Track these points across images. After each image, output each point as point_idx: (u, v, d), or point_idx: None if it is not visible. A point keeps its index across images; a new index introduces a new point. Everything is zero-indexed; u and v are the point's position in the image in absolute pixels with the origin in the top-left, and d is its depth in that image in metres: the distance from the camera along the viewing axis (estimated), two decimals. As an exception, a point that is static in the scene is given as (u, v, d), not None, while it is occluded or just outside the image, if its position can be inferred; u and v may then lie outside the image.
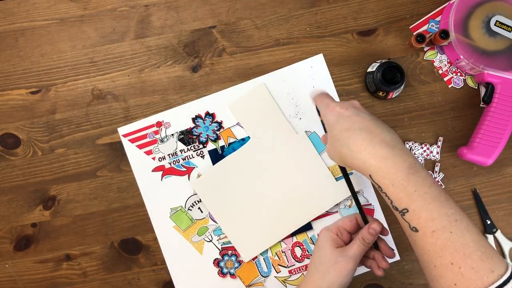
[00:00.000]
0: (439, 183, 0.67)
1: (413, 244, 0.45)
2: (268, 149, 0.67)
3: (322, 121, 0.58)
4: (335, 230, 0.55)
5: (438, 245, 0.42)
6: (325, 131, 0.58)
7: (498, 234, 0.66)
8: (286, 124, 0.67)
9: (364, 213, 0.56)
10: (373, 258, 0.56)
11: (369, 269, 0.66)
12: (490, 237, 0.66)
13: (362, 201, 0.67)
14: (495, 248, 0.66)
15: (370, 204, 0.67)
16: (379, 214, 0.67)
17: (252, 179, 0.67)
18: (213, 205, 0.66)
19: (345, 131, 0.48)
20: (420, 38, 0.65)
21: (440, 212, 0.42)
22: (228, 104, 0.68)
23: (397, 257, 0.67)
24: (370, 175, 0.46)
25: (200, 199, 0.67)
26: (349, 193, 0.65)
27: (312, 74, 0.69)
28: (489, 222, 0.66)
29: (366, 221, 0.56)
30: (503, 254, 0.66)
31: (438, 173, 0.67)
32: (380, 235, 0.56)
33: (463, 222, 0.42)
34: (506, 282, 0.39)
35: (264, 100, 0.68)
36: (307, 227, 0.66)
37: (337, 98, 0.68)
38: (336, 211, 0.67)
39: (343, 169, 0.58)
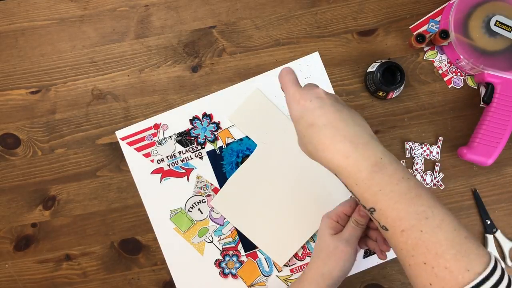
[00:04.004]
0: (440, 184, 0.67)
1: (387, 241, 0.44)
2: (278, 152, 0.67)
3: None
4: (335, 217, 0.55)
5: (409, 244, 0.40)
6: None
7: (498, 234, 0.66)
8: (289, 123, 0.67)
9: None
10: (375, 240, 0.55)
11: (369, 268, 0.66)
12: (490, 237, 0.66)
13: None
14: (495, 247, 0.66)
15: None
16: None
17: (269, 184, 0.67)
18: (237, 219, 0.66)
19: (309, 128, 0.45)
20: (420, 38, 0.65)
21: (408, 211, 0.40)
22: (225, 106, 0.68)
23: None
24: (336, 174, 0.44)
25: (200, 201, 0.67)
26: None
27: (309, 72, 0.69)
28: (489, 222, 0.66)
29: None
30: (503, 254, 0.66)
31: (438, 173, 0.67)
32: None
33: (435, 219, 0.40)
34: (484, 280, 0.37)
35: (263, 104, 0.68)
36: (307, 227, 0.66)
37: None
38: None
39: None
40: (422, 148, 0.67)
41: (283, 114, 0.68)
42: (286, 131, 0.67)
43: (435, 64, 0.69)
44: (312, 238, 0.67)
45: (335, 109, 0.45)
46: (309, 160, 0.67)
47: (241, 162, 0.67)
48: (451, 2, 0.68)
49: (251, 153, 0.67)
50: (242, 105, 0.68)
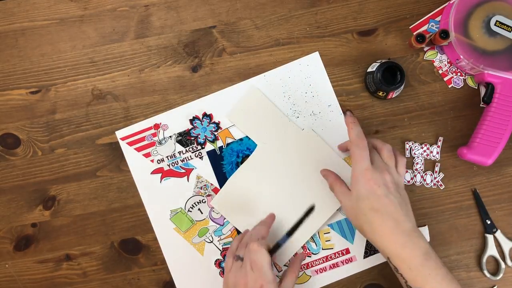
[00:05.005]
0: (440, 184, 0.67)
1: None
2: (278, 152, 0.67)
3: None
4: (266, 246, 0.58)
5: None
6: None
7: (498, 234, 0.66)
8: (289, 123, 0.67)
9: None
10: None
11: (369, 268, 0.66)
12: (490, 237, 0.66)
13: None
14: (495, 247, 0.66)
15: None
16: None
17: (269, 185, 0.67)
18: (237, 219, 0.66)
19: (373, 211, 0.52)
20: (420, 38, 0.65)
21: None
22: (225, 106, 0.68)
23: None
24: (388, 257, 0.53)
25: (200, 201, 0.67)
26: None
27: (309, 72, 0.68)
28: (489, 222, 0.66)
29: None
30: (503, 254, 0.66)
31: (438, 173, 0.67)
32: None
33: None
34: None
35: (261, 103, 0.68)
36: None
37: (335, 98, 0.68)
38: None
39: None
40: (422, 148, 0.67)
41: (282, 113, 0.67)
42: (286, 131, 0.67)
43: (435, 64, 0.69)
44: (312, 238, 0.67)
45: (397, 202, 0.53)
46: (309, 160, 0.67)
47: (241, 162, 0.67)
48: (451, 2, 0.68)
49: (251, 153, 0.67)
50: (239, 102, 0.68)
